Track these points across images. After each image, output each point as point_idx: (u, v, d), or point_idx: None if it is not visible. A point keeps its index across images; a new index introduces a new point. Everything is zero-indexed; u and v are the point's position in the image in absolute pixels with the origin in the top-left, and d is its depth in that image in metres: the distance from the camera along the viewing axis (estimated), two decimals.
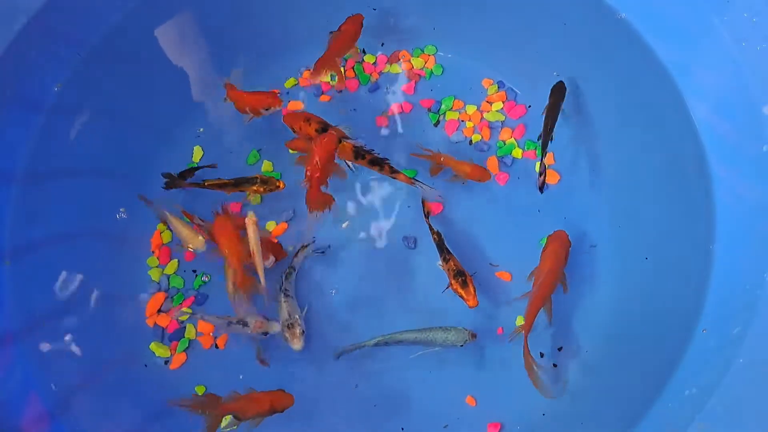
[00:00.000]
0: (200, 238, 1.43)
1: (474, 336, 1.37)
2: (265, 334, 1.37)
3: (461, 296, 1.34)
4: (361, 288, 1.49)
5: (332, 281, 1.50)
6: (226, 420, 1.29)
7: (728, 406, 1.13)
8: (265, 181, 1.46)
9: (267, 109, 1.47)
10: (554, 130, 1.45)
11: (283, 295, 1.43)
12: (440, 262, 1.41)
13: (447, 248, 1.41)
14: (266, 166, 1.58)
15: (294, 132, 1.46)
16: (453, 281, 1.36)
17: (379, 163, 1.45)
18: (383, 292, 1.48)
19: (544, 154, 1.43)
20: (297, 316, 1.40)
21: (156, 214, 1.49)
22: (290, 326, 1.38)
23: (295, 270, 1.47)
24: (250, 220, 1.35)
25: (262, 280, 1.34)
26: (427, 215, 1.47)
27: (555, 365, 1.41)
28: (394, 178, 1.48)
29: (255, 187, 1.46)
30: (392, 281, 1.49)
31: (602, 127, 1.54)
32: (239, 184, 1.46)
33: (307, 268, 1.50)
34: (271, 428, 1.32)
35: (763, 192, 1.27)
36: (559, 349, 1.42)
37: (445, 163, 1.49)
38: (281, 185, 1.47)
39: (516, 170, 1.56)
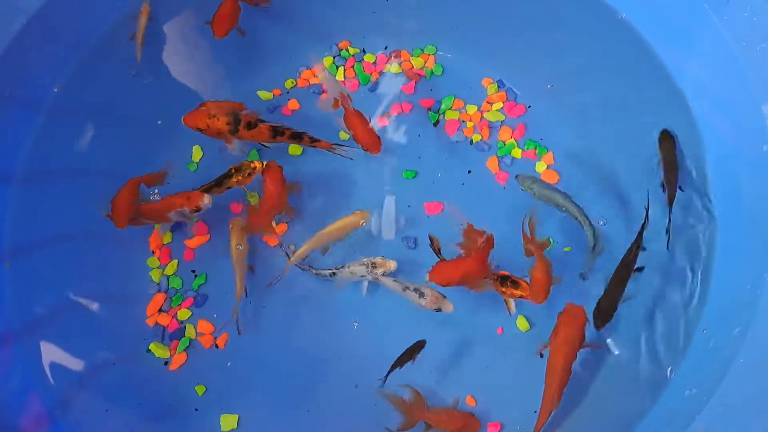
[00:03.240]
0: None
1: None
2: (438, 310, 1.38)
3: (522, 297, 1.30)
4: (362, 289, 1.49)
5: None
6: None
7: (728, 406, 1.13)
8: (239, 169, 1.44)
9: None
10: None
11: (334, 273, 1.44)
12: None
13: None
14: None
15: (202, 132, 1.43)
16: (504, 290, 1.32)
17: (299, 137, 1.47)
18: (384, 292, 1.48)
19: (671, 207, 1.35)
20: (365, 259, 1.43)
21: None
22: (374, 265, 1.41)
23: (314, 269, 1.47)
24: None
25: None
26: (437, 252, 1.42)
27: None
28: (315, 147, 1.49)
29: (235, 179, 1.44)
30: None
31: (602, 127, 1.54)
32: (221, 183, 1.45)
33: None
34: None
35: (764, 192, 1.27)
36: None
37: (534, 252, 1.34)
38: (257, 165, 1.44)
39: (516, 170, 1.56)
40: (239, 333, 1.45)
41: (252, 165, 1.44)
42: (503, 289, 1.33)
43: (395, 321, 1.46)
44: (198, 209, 1.40)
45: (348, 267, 1.44)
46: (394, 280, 1.41)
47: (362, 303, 1.48)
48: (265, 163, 1.44)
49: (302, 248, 1.44)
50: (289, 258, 1.45)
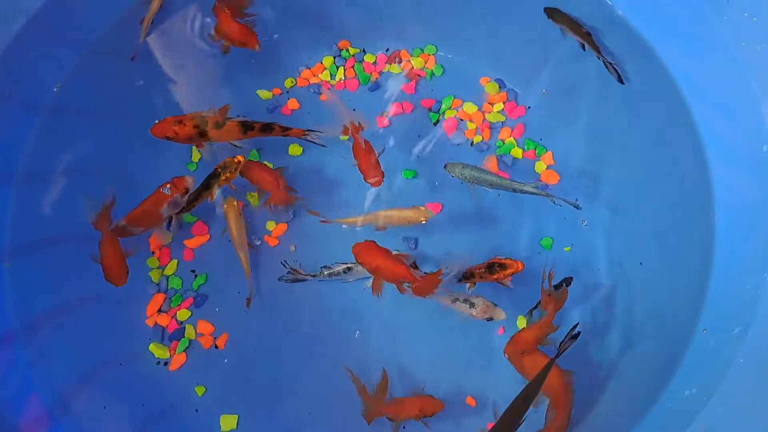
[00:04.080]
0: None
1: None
2: (490, 319, 1.38)
3: (511, 272, 1.31)
4: (363, 288, 1.49)
5: (336, 284, 1.50)
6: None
7: (728, 406, 1.13)
8: (224, 167, 1.43)
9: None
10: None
11: (350, 268, 1.44)
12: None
13: (463, 275, 1.39)
14: None
15: (172, 140, 1.42)
16: (496, 276, 1.33)
17: (269, 128, 1.47)
18: (386, 294, 1.48)
19: (599, 51, 1.46)
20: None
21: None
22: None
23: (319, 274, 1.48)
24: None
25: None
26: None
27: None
28: (287, 136, 1.49)
29: (223, 177, 1.42)
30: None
31: (602, 127, 1.54)
32: (209, 185, 1.43)
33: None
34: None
35: (763, 192, 1.27)
36: None
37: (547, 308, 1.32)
38: (240, 159, 1.44)
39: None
40: (248, 307, 1.46)
41: (236, 160, 1.44)
42: (495, 277, 1.33)
43: (397, 323, 1.46)
44: (188, 191, 1.39)
45: None
46: (449, 294, 1.39)
47: (364, 305, 1.47)
48: (239, 161, 1.44)
49: (361, 217, 1.46)
50: (292, 270, 1.47)
